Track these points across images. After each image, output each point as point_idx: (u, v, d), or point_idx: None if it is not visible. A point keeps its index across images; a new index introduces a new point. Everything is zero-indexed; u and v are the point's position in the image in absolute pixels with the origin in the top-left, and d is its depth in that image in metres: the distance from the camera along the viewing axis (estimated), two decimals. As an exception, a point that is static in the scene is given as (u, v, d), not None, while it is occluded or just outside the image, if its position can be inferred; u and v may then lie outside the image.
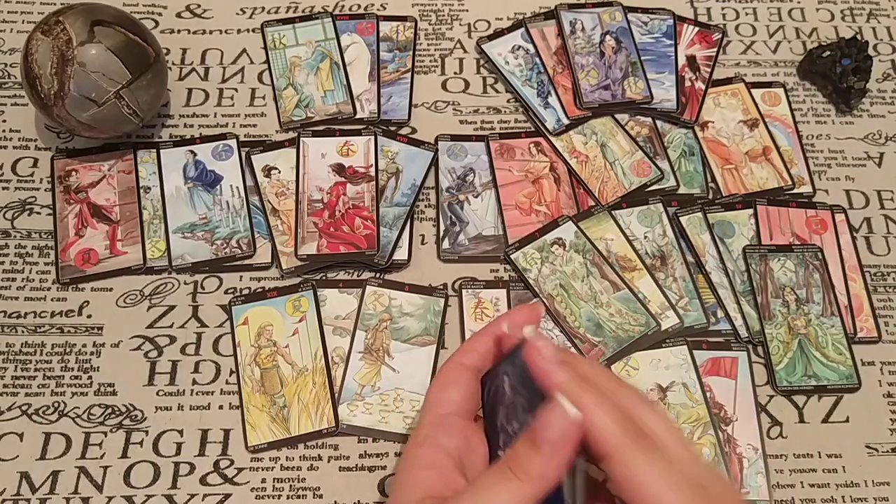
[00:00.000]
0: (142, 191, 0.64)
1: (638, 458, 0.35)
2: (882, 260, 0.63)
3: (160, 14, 0.73)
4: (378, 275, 0.61)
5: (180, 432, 0.55)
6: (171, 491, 0.53)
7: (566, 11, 0.71)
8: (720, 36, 0.72)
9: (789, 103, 0.69)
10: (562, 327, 0.59)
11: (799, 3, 0.76)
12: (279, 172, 0.64)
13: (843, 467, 0.55)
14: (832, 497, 0.54)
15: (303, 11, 0.73)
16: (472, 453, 0.41)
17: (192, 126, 0.67)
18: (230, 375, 0.57)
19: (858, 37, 0.72)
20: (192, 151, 0.65)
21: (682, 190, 0.65)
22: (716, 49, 0.71)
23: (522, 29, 0.71)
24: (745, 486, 0.54)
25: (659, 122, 0.68)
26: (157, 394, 0.57)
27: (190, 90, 0.69)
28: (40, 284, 0.60)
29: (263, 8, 0.73)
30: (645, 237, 0.63)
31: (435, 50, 0.72)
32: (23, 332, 0.58)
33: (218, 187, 0.64)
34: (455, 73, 0.71)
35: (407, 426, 0.55)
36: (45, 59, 0.58)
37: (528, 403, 0.40)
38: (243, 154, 0.65)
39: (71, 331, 0.59)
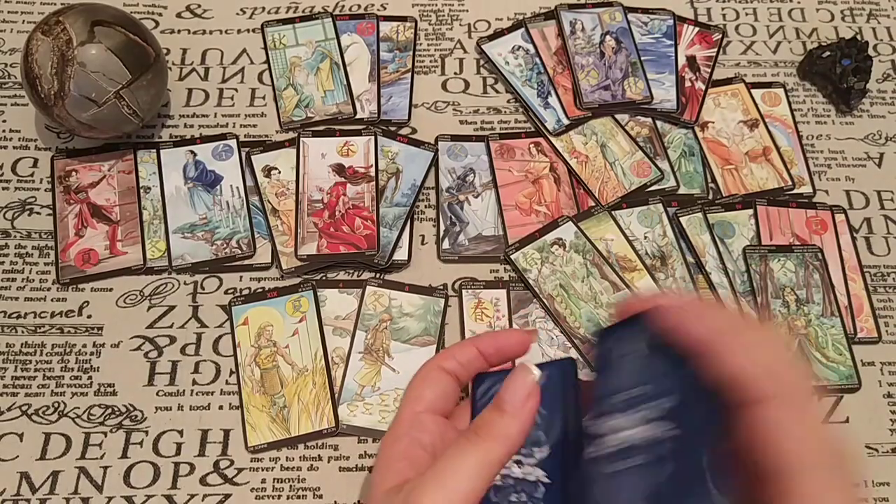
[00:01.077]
0: (142, 191, 0.64)
1: (787, 414, 0.34)
2: (882, 260, 0.63)
3: (160, 14, 0.73)
4: (378, 275, 0.61)
5: (180, 432, 0.55)
6: (171, 491, 0.53)
7: (566, 11, 0.71)
8: (720, 36, 0.72)
9: (789, 103, 0.69)
10: (562, 327, 0.59)
11: (799, 3, 0.76)
12: (279, 172, 0.64)
13: (843, 468, 0.55)
14: (832, 497, 0.54)
15: (303, 11, 0.73)
16: (446, 448, 0.42)
17: (192, 126, 0.67)
18: (230, 376, 0.57)
19: (858, 37, 0.72)
20: (192, 151, 0.65)
21: (682, 190, 0.65)
22: (716, 49, 0.71)
23: (522, 29, 0.71)
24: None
25: (659, 123, 0.68)
26: (157, 394, 0.57)
27: (190, 90, 0.69)
28: (40, 284, 0.60)
29: (263, 8, 0.73)
30: (645, 237, 0.63)
31: (435, 50, 0.72)
32: (23, 332, 0.58)
33: (218, 187, 0.64)
34: (455, 73, 0.71)
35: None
36: (45, 59, 0.58)
37: (539, 417, 0.40)
38: (243, 154, 0.65)
39: (71, 331, 0.59)
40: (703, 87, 0.69)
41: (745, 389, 0.35)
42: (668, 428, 0.36)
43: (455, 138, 0.67)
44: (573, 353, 0.58)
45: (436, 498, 0.36)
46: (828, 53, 0.69)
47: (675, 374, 0.37)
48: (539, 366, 0.41)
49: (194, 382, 0.57)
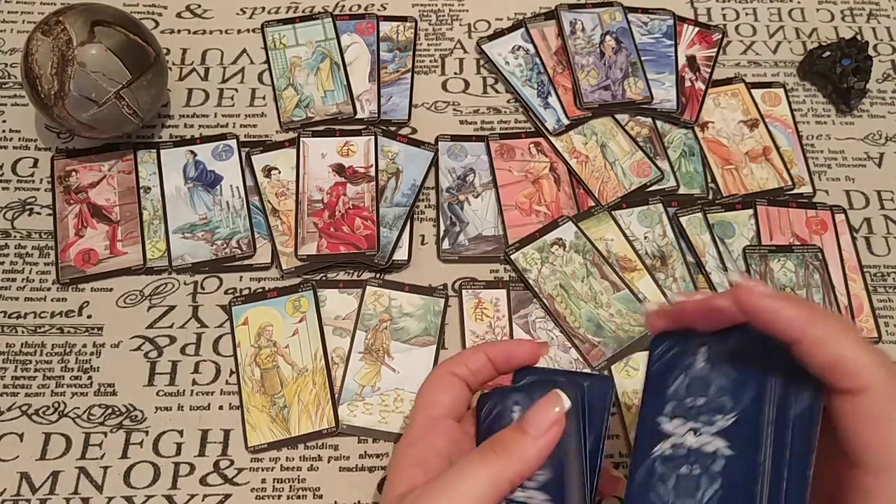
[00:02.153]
0: (142, 191, 0.64)
1: (885, 407, 0.34)
2: (882, 260, 0.63)
3: (160, 14, 0.73)
4: (378, 275, 0.61)
5: (180, 432, 0.55)
6: (171, 491, 0.53)
7: (566, 11, 0.71)
8: (720, 36, 0.72)
9: (789, 103, 0.69)
10: (562, 327, 0.59)
11: (799, 3, 0.76)
12: (279, 172, 0.64)
13: (843, 467, 0.55)
14: (832, 497, 0.54)
15: (303, 11, 0.73)
16: (461, 454, 0.42)
17: (192, 126, 0.67)
18: (230, 376, 0.57)
19: (858, 37, 0.72)
20: (192, 151, 0.65)
21: (682, 190, 0.65)
22: (716, 49, 0.71)
23: (522, 29, 0.71)
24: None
25: (659, 123, 0.68)
26: (157, 394, 0.57)
27: (190, 90, 0.69)
28: (40, 284, 0.60)
29: (263, 8, 0.73)
30: (645, 237, 0.63)
31: (435, 50, 0.72)
32: (23, 332, 0.58)
33: (218, 187, 0.64)
34: (455, 73, 0.71)
35: (406, 426, 0.55)
36: (45, 60, 0.58)
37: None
38: (243, 154, 0.65)
39: (71, 331, 0.59)
40: (703, 87, 0.69)
41: (845, 377, 0.34)
42: (724, 446, 0.37)
43: (455, 138, 0.67)
44: (573, 353, 0.58)
45: None
46: (828, 53, 0.69)
47: (737, 396, 0.38)
48: (579, 374, 0.42)
49: (194, 382, 0.57)
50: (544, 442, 0.38)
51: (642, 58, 0.69)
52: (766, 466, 0.36)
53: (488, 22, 0.74)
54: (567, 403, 0.39)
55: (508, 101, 0.70)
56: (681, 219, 0.63)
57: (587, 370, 0.57)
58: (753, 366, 0.39)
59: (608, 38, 0.70)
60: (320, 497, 0.54)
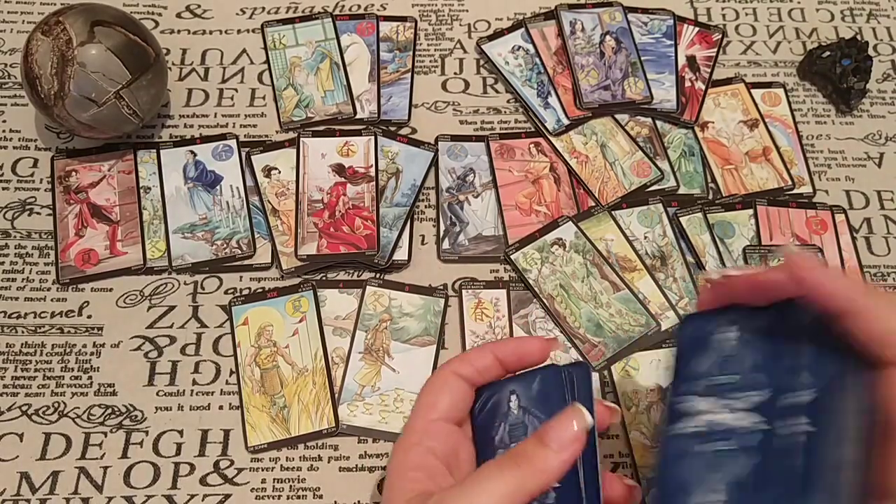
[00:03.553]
0: (142, 191, 0.64)
1: (876, 303, 0.36)
2: (882, 260, 0.63)
3: (160, 14, 0.73)
4: (378, 275, 0.61)
5: (180, 432, 0.55)
6: (170, 491, 0.53)
7: (566, 11, 0.71)
8: (720, 36, 0.72)
9: (789, 103, 0.69)
10: (562, 327, 0.59)
11: (799, 3, 0.76)
12: (279, 172, 0.64)
13: (843, 468, 0.55)
14: (832, 497, 0.54)
15: (303, 11, 0.73)
16: (458, 458, 0.42)
17: (192, 126, 0.67)
18: (230, 376, 0.57)
19: (858, 37, 0.72)
20: (192, 151, 0.65)
21: (682, 190, 0.65)
22: (716, 49, 0.71)
23: (522, 29, 0.71)
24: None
25: (659, 123, 0.68)
26: (157, 394, 0.57)
27: (190, 90, 0.69)
28: (40, 284, 0.60)
29: (263, 8, 0.73)
30: (645, 237, 0.63)
31: (435, 50, 0.72)
32: (23, 332, 0.58)
33: (218, 187, 0.64)
34: (455, 73, 0.71)
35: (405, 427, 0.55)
36: (45, 60, 0.58)
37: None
38: (243, 154, 0.65)
39: (71, 331, 0.59)
40: (703, 87, 0.69)
41: (833, 301, 0.36)
42: (757, 420, 0.38)
43: (455, 138, 0.67)
44: (573, 353, 0.58)
45: None
46: (828, 53, 0.69)
47: (766, 371, 0.38)
48: (557, 367, 0.42)
49: (194, 382, 0.57)
50: (565, 456, 0.37)
51: (642, 58, 0.69)
52: (803, 441, 0.36)
53: (488, 22, 0.74)
54: (589, 419, 0.38)
55: (508, 101, 0.70)
56: (681, 219, 0.63)
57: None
58: (789, 343, 0.39)
59: (608, 38, 0.70)
60: (320, 497, 0.54)
